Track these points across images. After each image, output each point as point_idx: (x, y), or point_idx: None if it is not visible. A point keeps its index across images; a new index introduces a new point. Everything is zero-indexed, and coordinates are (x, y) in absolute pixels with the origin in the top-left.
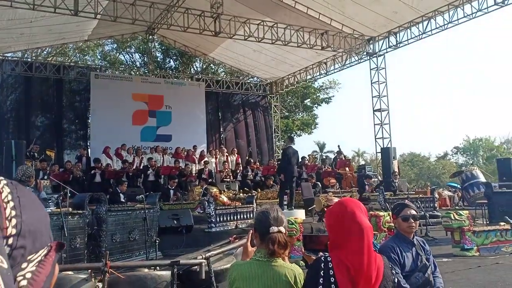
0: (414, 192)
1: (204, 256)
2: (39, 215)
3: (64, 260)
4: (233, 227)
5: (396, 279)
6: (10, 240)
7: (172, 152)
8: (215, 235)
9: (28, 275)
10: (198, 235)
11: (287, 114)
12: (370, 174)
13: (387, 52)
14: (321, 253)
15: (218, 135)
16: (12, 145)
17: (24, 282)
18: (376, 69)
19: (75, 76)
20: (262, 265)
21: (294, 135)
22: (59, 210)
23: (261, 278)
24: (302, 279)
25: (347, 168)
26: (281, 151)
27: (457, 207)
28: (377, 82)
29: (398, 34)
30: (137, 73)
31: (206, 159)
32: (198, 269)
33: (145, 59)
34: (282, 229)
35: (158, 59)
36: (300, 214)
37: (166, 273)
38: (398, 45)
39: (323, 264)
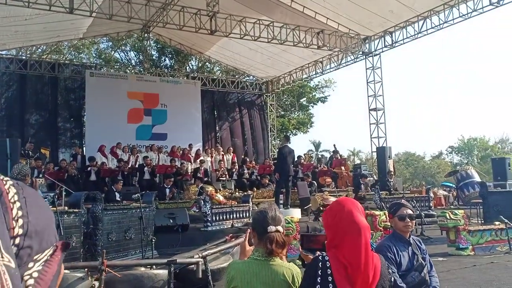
0: (409, 192)
1: (201, 255)
2: (45, 215)
3: None
4: (229, 226)
5: (392, 278)
6: (17, 240)
7: (168, 151)
8: (211, 234)
9: (35, 275)
10: (194, 234)
11: (283, 113)
12: (365, 173)
13: (382, 51)
14: (318, 252)
15: (214, 133)
16: (7, 144)
17: (31, 281)
18: (371, 68)
19: (70, 74)
20: (260, 264)
21: (290, 134)
22: (54, 208)
23: (259, 277)
24: (300, 278)
25: (342, 167)
26: (277, 150)
27: (452, 207)
28: (373, 82)
29: (393, 34)
30: (133, 71)
31: (201, 158)
32: (195, 268)
33: (141, 57)
34: (280, 228)
35: (154, 57)
36: (295, 213)
37: (163, 272)
38: (394, 44)
39: (320, 263)
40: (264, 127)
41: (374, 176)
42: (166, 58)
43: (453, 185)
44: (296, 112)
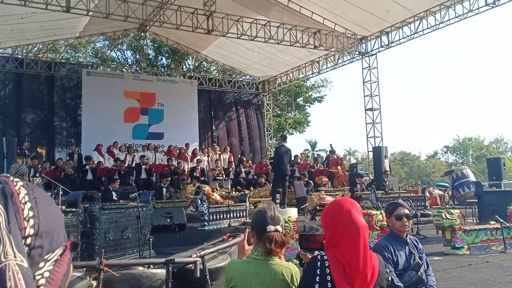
0: (405, 191)
1: (198, 254)
2: (55, 216)
3: None
4: (226, 225)
5: (389, 278)
6: (29, 240)
7: (164, 150)
8: (208, 233)
9: (46, 274)
10: (191, 233)
11: (279, 112)
12: (361, 173)
13: (379, 51)
14: (317, 252)
15: (211, 133)
16: (4, 143)
17: (42, 281)
18: (368, 68)
19: (66, 73)
20: (259, 264)
21: (286, 134)
22: None
23: (258, 277)
24: (299, 278)
25: (339, 167)
26: (274, 150)
27: (447, 206)
28: (369, 82)
29: (390, 34)
30: (129, 70)
31: (198, 157)
32: (192, 267)
33: (137, 57)
34: (279, 228)
35: (150, 56)
36: (292, 213)
37: (161, 271)
38: (390, 44)
39: (319, 262)
40: (261, 126)
41: (370, 176)
42: (163, 57)
43: (448, 185)
44: (292, 112)
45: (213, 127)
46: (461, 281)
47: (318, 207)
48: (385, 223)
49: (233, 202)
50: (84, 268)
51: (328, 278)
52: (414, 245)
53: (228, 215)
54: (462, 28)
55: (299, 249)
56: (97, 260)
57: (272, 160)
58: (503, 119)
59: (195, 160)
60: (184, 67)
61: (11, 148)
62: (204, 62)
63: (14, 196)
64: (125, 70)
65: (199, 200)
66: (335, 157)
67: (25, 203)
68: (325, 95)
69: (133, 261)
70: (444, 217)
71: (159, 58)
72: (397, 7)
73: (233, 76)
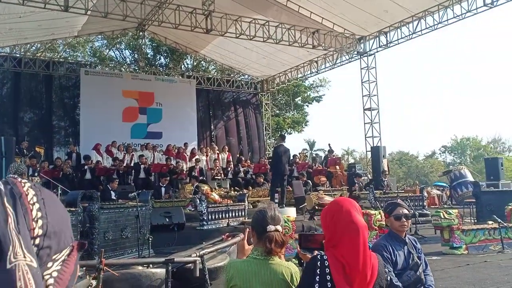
0: (403, 191)
1: (198, 254)
2: (63, 216)
3: None
4: (225, 225)
5: (388, 277)
6: (37, 241)
7: (163, 150)
8: (207, 233)
9: (55, 274)
10: (190, 232)
11: (278, 112)
12: (360, 172)
13: (377, 51)
14: (316, 252)
15: (209, 132)
16: (2, 142)
17: (51, 281)
18: (366, 68)
19: (64, 72)
20: (259, 263)
21: (285, 133)
22: None
23: (258, 276)
24: (298, 277)
25: (337, 167)
26: (272, 149)
27: (445, 206)
28: (368, 81)
29: (388, 34)
30: (128, 69)
31: (197, 156)
32: (192, 267)
33: (136, 56)
34: (279, 227)
35: (149, 55)
36: (291, 212)
37: (161, 271)
38: (389, 44)
39: (319, 262)
40: (259, 126)
41: (369, 175)
42: (161, 57)
43: (446, 185)
44: (291, 111)
45: (212, 127)
46: (459, 280)
47: (316, 207)
48: (384, 222)
49: (231, 201)
50: (84, 268)
51: (328, 278)
52: (413, 245)
53: (227, 215)
54: (460, 28)
55: (299, 249)
56: (97, 260)
57: (270, 160)
58: (501, 119)
59: (193, 159)
60: (183, 66)
61: (9, 147)
62: (202, 62)
63: (23, 197)
64: (123, 70)
65: (198, 200)
66: (334, 157)
67: (34, 204)
68: (324, 95)
69: (132, 260)
70: (442, 217)
71: (158, 57)
72: (396, 7)
73: (232, 75)
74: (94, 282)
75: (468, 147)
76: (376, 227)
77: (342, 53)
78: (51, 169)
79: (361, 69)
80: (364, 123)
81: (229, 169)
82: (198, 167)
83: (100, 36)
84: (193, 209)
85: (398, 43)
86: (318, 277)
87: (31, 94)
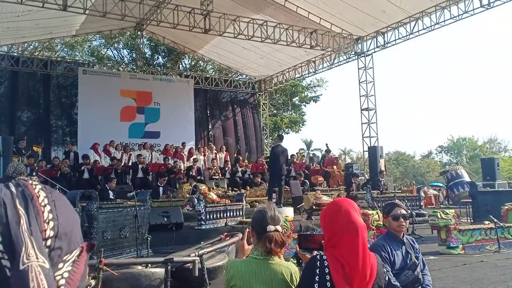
0: (400, 191)
1: (197, 253)
2: (73, 218)
3: None
4: (223, 225)
5: (387, 277)
6: (49, 242)
7: (161, 149)
8: (205, 233)
9: (66, 275)
10: (188, 232)
11: (275, 112)
12: (357, 172)
13: (375, 52)
14: (316, 252)
15: (207, 132)
16: (0, 141)
17: (62, 281)
18: (364, 68)
19: (62, 71)
20: (259, 263)
21: (282, 133)
22: None
23: (258, 276)
24: (298, 277)
25: (334, 167)
26: (270, 149)
27: (442, 206)
28: (365, 82)
29: (386, 34)
30: (125, 69)
31: (195, 156)
32: (191, 267)
33: (134, 55)
34: (278, 228)
35: (147, 55)
36: (288, 212)
37: (160, 271)
38: (386, 45)
39: (318, 262)
40: (257, 125)
41: (366, 175)
42: (159, 56)
43: (443, 185)
44: (288, 111)
45: (209, 126)
46: (456, 280)
47: (314, 207)
48: (381, 222)
49: (229, 201)
50: None
51: (327, 277)
52: (411, 245)
53: (225, 214)
54: (457, 29)
55: (298, 249)
56: (96, 259)
57: (268, 160)
58: (497, 120)
59: (191, 159)
60: (181, 66)
61: (7, 146)
62: (200, 61)
63: (34, 199)
64: (121, 69)
65: (195, 199)
66: (331, 157)
67: (45, 205)
68: (321, 95)
69: (132, 260)
70: (440, 217)
71: (156, 57)
72: (393, 7)
73: (230, 75)
74: (93, 282)
75: (465, 147)
76: (373, 227)
77: (340, 53)
78: (48, 168)
79: (358, 69)
80: (362, 123)
81: (226, 168)
82: (196, 166)
83: (98, 35)
84: (191, 209)
85: (396, 44)
86: (317, 277)
87: (28, 93)
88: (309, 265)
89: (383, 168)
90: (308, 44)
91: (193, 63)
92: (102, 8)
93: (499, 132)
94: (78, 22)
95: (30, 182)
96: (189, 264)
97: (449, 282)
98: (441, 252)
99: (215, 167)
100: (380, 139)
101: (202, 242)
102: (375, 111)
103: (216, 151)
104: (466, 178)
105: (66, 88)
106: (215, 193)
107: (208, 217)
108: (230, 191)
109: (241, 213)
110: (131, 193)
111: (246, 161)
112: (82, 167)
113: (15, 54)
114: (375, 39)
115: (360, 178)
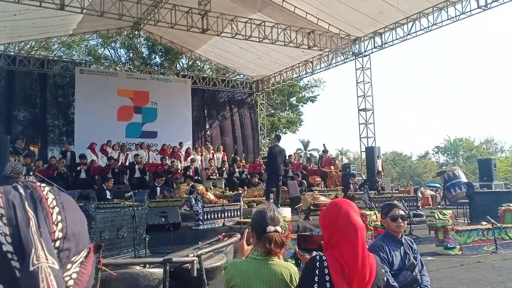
0: (397, 191)
1: (195, 253)
2: (80, 219)
3: None
4: (220, 225)
5: (385, 278)
6: (57, 243)
7: (158, 149)
8: (202, 233)
9: (74, 275)
10: (186, 232)
11: (273, 112)
12: (354, 172)
13: (372, 52)
14: (315, 252)
15: (204, 132)
16: None
17: (71, 282)
18: (361, 69)
19: (59, 70)
20: (259, 264)
21: (280, 133)
22: None
23: (258, 276)
24: (297, 278)
25: (332, 167)
26: (267, 149)
27: (439, 207)
28: (362, 82)
29: (383, 35)
30: (123, 68)
31: (192, 156)
32: (189, 267)
33: (131, 55)
34: (278, 228)
35: (144, 55)
36: (286, 213)
37: (158, 271)
38: (383, 45)
39: (318, 263)
40: (254, 125)
41: (363, 176)
42: (157, 56)
43: (440, 186)
44: (286, 112)
45: (207, 126)
46: (454, 281)
47: (311, 207)
48: (379, 223)
49: (227, 201)
50: None
51: (327, 278)
52: (409, 246)
53: (223, 215)
54: (454, 30)
55: (297, 249)
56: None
57: (265, 160)
58: (493, 120)
59: (188, 159)
60: (178, 66)
61: (4, 146)
62: (198, 61)
63: (43, 201)
64: (118, 68)
65: (193, 200)
66: (328, 157)
67: (53, 207)
68: (318, 95)
69: (131, 260)
70: (437, 217)
71: (153, 56)
72: (391, 8)
73: (227, 75)
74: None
75: (461, 147)
76: (371, 227)
77: (337, 53)
78: (45, 168)
79: (356, 69)
80: (359, 124)
81: (224, 169)
82: (193, 166)
83: (95, 34)
84: (188, 209)
85: (393, 44)
86: (317, 277)
87: (25, 92)
88: (308, 265)
89: (380, 169)
90: (306, 44)
91: (190, 63)
92: (99, 8)
93: (495, 132)
94: (75, 22)
95: (39, 184)
96: (187, 264)
97: (447, 283)
98: (438, 253)
99: (213, 167)
100: (377, 140)
101: (200, 242)
102: (373, 112)
103: (213, 151)
104: (463, 178)
105: (63, 87)
106: (212, 193)
107: (205, 217)
108: (228, 191)
109: (238, 213)
110: (129, 193)
111: (244, 161)
112: (79, 167)
113: (12, 53)
114: (372, 39)
115: (357, 178)
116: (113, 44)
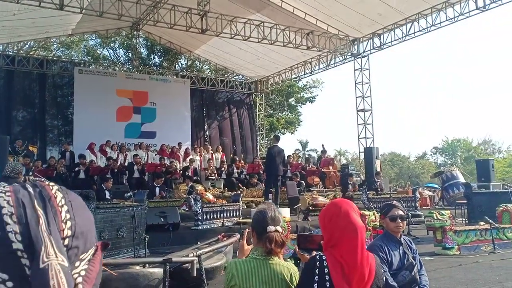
0: (396, 192)
1: (195, 253)
2: (88, 218)
3: None
4: (219, 225)
5: (384, 277)
6: (66, 241)
7: (157, 149)
8: (201, 233)
9: (83, 273)
10: (185, 232)
11: (271, 112)
12: (353, 173)
13: (371, 53)
14: (315, 252)
15: (203, 132)
16: None
17: (80, 279)
18: (360, 69)
19: (58, 70)
20: (259, 263)
21: (278, 134)
22: None
23: (258, 276)
24: (297, 277)
25: (330, 167)
26: (266, 150)
27: (437, 207)
28: (361, 83)
29: (382, 36)
30: (122, 69)
31: (191, 156)
32: (189, 267)
33: (130, 55)
34: (279, 228)
35: (143, 55)
36: (285, 213)
37: (158, 271)
38: (382, 46)
39: (318, 262)
40: (253, 126)
41: (361, 176)
42: (155, 56)
43: (438, 186)
44: (284, 112)
45: (206, 127)
46: (452, 281)
47: (310, 207)
48: (378, 223)
49: (226, 201)
50: None
51: (327, 278)
52: (408, 246)
53: (222, 215)
54: (452, 31)
55: (297, 249)
56: None
57: (264, 160)
58: (491, 121)
59: (187, 159)
60: (177, 66)
61: (3, 146)
62: (196, 62)
63: (52, 200)
64: (117, 69)
65: (192, 200)
66: (327, 158)
67: (62, 206)
68: (317, 95)
69: (131, 260)
70: (435, 217)
71: (152, 57)
72: (389, 9)
73: (226, 75)
74: None
75: (459, 148)
76: (370, 228)
77: (336, 54)
78: (44, 168)
79: (354, 70)
80: (358, 124)
81: (223, 169)
82: (192, 167)
83: (94, 34)
84: (187, 209)
85: (392, 45)
86: (317, 277)
87: (24, 92)
88: (308, 265)
89: (379, 169)
90: (305, 45)
91: (189, 63)
92: (98, 8)
93: (493, 133)
94: (74, 22)
95: (47, 183)
96: (187, 264)
97: (445, 283)
98: (436, 253)
99: (211, 168)
100: (376, 140)
101: (199, 242)
102: (371, 112)
103: (212, 152)
104: (461, 179)
105: (62, 87)
106: (211, 194)
107: (204, 217)
108: (227, 192)
109: (237, 213)
110: (128, 193)
111: (242, 161)
112: (78, 167)
113: (11, 53)
114: (371, 40)
115: (355, 178)
116: (112, 44)
